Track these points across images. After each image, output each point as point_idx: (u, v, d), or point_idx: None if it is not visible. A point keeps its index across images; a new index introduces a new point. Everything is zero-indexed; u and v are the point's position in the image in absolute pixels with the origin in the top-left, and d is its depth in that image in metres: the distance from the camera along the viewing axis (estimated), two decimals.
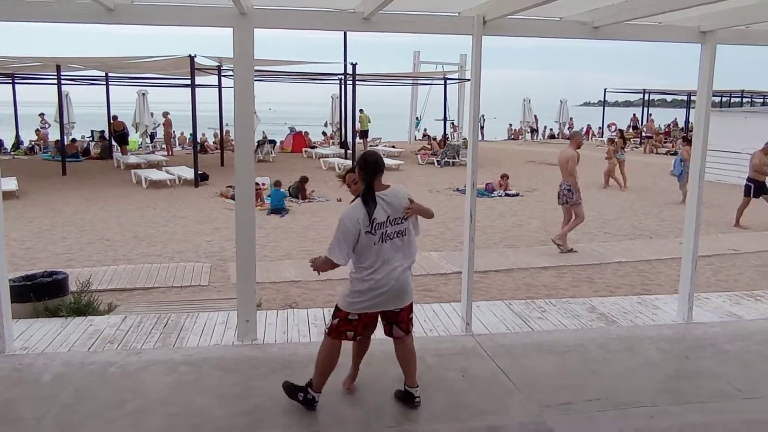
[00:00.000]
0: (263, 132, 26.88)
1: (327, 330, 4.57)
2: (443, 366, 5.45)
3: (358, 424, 4.41)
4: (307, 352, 5.60)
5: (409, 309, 4.64)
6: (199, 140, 29.59)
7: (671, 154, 29.50)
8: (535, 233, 12.23)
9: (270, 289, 8.31)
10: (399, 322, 4.58)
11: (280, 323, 6.33)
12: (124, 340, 5.85)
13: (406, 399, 4.63)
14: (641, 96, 41.83)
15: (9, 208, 13.84)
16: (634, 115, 41.01)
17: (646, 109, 38.28)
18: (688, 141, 18.52)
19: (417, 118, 35.18)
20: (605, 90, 40.98)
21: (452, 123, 30.54)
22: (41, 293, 6.62)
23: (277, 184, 14.21)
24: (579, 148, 11.10)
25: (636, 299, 7.43)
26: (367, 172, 4.31)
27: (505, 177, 17.12)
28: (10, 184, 15.45)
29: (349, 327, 4.47)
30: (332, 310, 4.62)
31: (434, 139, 29.62)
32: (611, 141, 21.04)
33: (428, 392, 4.92)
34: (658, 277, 9.35)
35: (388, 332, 4.64)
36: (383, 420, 4.47)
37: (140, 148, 27.12)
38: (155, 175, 18.17)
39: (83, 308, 6.67)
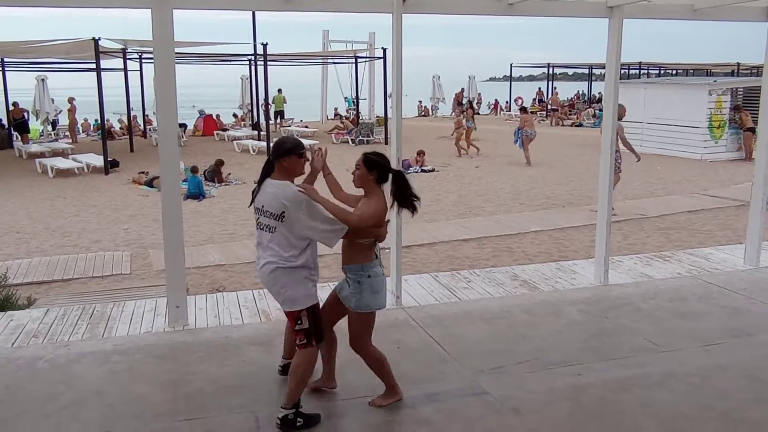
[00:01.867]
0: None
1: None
2: (377, 338, 5.43)
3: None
4: (241, 334, 5.62)
5: (290, 317, 4.13)
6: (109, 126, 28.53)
7: (576, 126, 30.79)
8: (453, 207, 12.54)
9: (195, 274, 8.19)
10: None
11: (210, 307, 6.28)
12: (50, 333, 5.65)
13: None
14: (545, 70, 43.21)
15: None
16: (539, 89, 42.33)
17: (550, 83, 39.54)
18: (525, 110, 22.16)
19: (346, 98, 34.94)
20: (511, 65, 42.07)
21: (361, 99, 30.51)
22: None
23: (194, 170, 13.89)
24: (621, 119, 10.68)
25: (555, 266, 7.80)
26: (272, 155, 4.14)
27: (421, 153, 17.39)
28: None
29: None
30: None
31: (346, 117, 29.63)
32: (461, 110, 22.18)
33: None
34: (572, 244, 9.83)
35: None
36: (323, 394, 4.54)
37: (42, 136, 25.70)
38: (62, 163, 17.35)
39: (1, 303, 6.39)
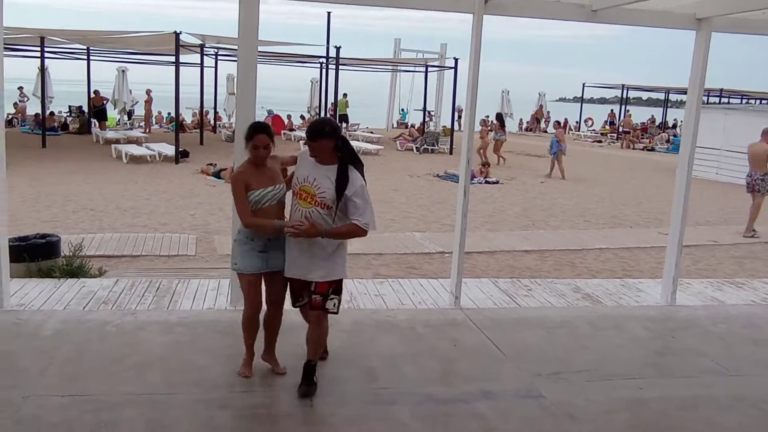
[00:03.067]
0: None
1: (337, 309, 4.35)
2: (434, 336, 5.56)
3: (355, 384, 4.49)
4: (299, 318, 5.68)
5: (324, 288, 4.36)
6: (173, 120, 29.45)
7: (648, 150, 30.01)
8: (517, 219, 12.40)
9: None
10: None
11: None
12: (118, 301, 5.86)
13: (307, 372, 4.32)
14: (618, 94, 42.34)
15: None
16: (612, 110, 41.52)
17: (623, 106, 38.71)
18: (559, 124, 22.96)
19: (402, 109, 35.18)
20: (584, 84, 41.34)
21: (429, 112, 30.55)
22: (35, 254, 6.62)
23: None
24: None
25: (619, 282, 7.61)
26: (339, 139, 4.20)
27: (486, 165, 17.28)
28: None
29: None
30: (329, 287, 4.27)
31: (412, 126, 29.70)
32: (483, 122, 23.16)
33: (421, 359, 5.03)
34: (638, 264, 9.57)
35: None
36: (377, 382, 4.56)
37: (118, 125, 26.72)
38: (136, 150, 17.97)
39: (75, 270, 6.67)
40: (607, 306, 6.62)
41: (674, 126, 39.05)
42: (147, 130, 25.19)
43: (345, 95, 29.44)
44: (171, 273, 7.30)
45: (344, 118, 29.21)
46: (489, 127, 21.50)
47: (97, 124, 24.35)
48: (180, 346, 4.94)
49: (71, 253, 6.96)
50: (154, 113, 28.87)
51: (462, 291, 6.46)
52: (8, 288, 5.66)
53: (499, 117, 22.44)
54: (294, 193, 4.24)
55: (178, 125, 19.50)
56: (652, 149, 30.24)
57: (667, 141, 31.19)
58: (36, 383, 4.24)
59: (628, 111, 36.97)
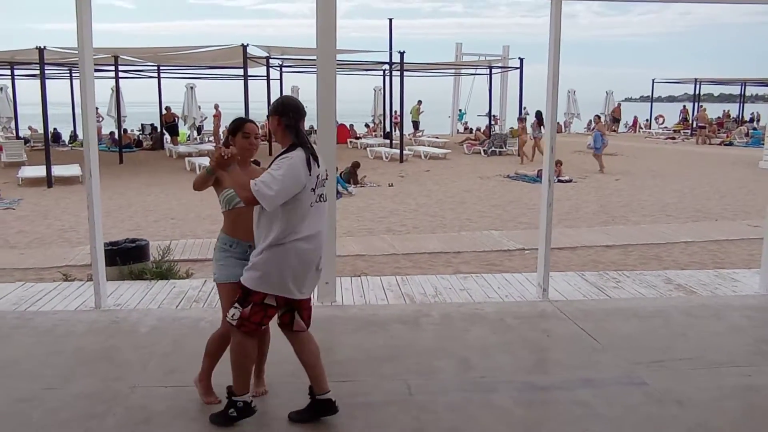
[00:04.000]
0: (310, 124, 27.13)
1: (237, 323, 3.58)
2: (525, 327, 5.46)
3: (451, 374, 4.45)
4: (386, 313, 5.69)
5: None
6: None
7: (726, 145, 28.82)
8: (595, 216, 12.08)
9: (338, 263, 8.39)
10: (302, 309, 3.73)
11: (355, 288, 6.43)
12: (209, 299, 6.01)
13: (326, 408, 3.71)
14: (686, 91, 40.96)
15: (76, 191, 14.33)
16: (684, 106, 40.21)
17: (696, 102, 37.40)
18: (599, 118, 22.86)
19: (460, 110, 35.01)
20: (653, 80, 40.13)
21: (493, 115, 30.26)
22: (126, 258, 6.85)
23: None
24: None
25: (713, 272, 7.31)
26: (291, 117, 3.59)
27: (558, 163, 16.90)
28: (75, 170, 16.67)
29: (264, 314, 3.60)
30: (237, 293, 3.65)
31: (478, 129, 29.49)
32: (520, 119, 22.87)
33: (514, 348, 4.95)
34: (728, 257, 9.17)
35: (287, 321, 3.72)
36: (474, 371, 4.49)
37: (188, 140, 27.57)
38: (209, 162, 18.41)
39: (165, 273, 6.87)
40: (702, 296, 6.37)
41: (751, 120, 37.48)
42: (217, 144, 25.85)
43: (419, 102, 29.57)
44: None
45: (416, 125, 29.25)
46: (524, 125, 21.64)
47: (169, 139, 25.16)
48: (274, 340, 4.99)
49: (160, 257, 7.17)
50: (222, 128, 29.61)
51: (549, 284, 6.34)
52: (105, 290, 5.94)
53: (539, 115, 22.17)
54: None
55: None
56: (731, 143, 29.01)
57: (746, 134, 29.89)
58: (140, 375, 4.39)
59: (702, 106, 35.59)
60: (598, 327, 5.37)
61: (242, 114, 19.51)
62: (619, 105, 38.40)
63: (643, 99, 43.11)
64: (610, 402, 4.07)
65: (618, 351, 4.88)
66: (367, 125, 31.51)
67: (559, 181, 16.28)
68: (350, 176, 15.11)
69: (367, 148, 23.25)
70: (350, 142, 26.31)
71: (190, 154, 20.92)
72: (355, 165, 15.54)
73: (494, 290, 6.41)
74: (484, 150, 23.03)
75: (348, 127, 28.47)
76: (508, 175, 17.28)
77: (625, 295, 6.34)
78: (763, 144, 27.21)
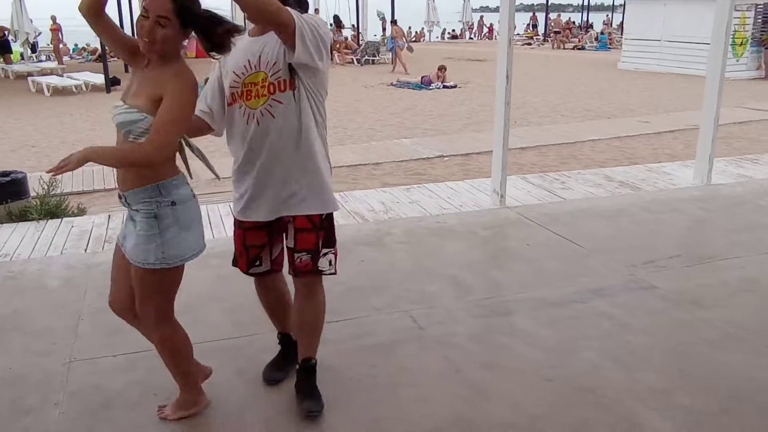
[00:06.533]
0: None
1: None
2: (500, 237, 5.04)
3: (452, 299, 3.90)
4: (344, 235, 4.94)
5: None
6: (89, 50, 26.95)
7: (579, 49, 29.92)
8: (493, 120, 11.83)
9: None
10: None
11: None
12: None
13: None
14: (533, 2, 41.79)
15: None
16: (534, 13, 41.31)
17: (544, 12, 38.39)
18: (395, 23, 22.38)
19: (330, 24, 33.27)
20: None
21: (352, 25, 28.95)
22: (1, 195, 5.53)
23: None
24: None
25: (644, 168, 7.25)
26: None
27: (442, 69, 16.51)
28: None
29: None
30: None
31: (346, 38, 28.33)
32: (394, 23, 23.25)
33: (500, 262, 4.51)
34: (636, 152, 9.26)
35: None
36: (474, 293, 3.98)
37: (22, 59, 24.15)
38: (59, 81, 16.14)
39: (54, 210, 5.66)
40: (649, 191, 6.24)
41: (591, 26, 39.21)
42: (59, 61, 22.82)
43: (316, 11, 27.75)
44: None
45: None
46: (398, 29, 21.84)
47: (1, 58, 21.87)
48: (227, 281, 4.15)
49: (44, 191, 5.90)
50: (62, 44, 26.24)
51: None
52: None
53: (336, 20, 22.53)
54: (232, 100, 2.65)
55: (105, 50, 17.54)
56: (582, 48, 30.21)
57: (596, 39, 31.30)
58: (72, 345, 3.38)
59: (558, 14, 36.62)
60: (571, 231, 5.02)
61: (77, 30, 17.20)
62: (482, 18, 38.65)
63: (497, 9, 43.44)
64: (632, 311, 3.71)
65: (606, 254, 4.57)
66: None
67: (445, 86, 15.94)
68: None
69: None
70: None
71: (30, 74, 18.20)
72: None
73: (445, 200, 5.89)
74: (357, 59, 22.13)
75: None
76: (392, 83, 16.66)
77: (578, 196, 6.06)
78: (609, 47, 29.53)
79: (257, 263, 2.85)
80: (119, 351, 3.28)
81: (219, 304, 3.84)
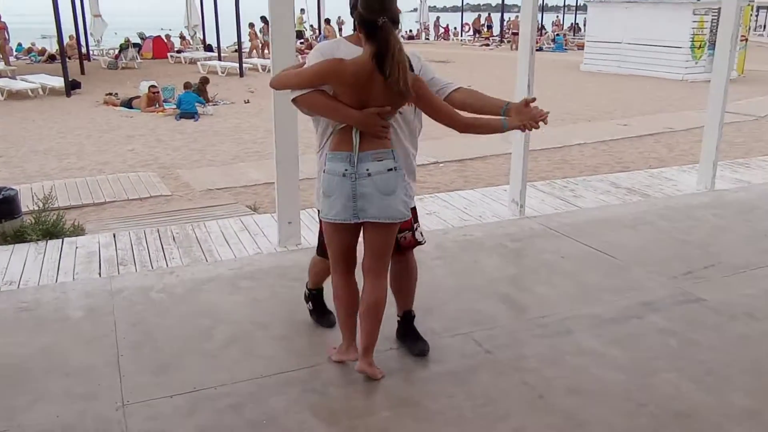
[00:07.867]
0: (126, 37, 23.88)
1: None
2: (532, 249, 4.96)
3: (508, 318, 3.78)
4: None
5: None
6: (35, 50, 25.84)
7: (538, 50, 30.24)
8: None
9: (247, 194, 7.24)
10: None
11: (312, 224, 5.35)
12: (137, 260, 4.67)
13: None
14: (488, 2, 42.22)
15: None
16: (489, 14, 41.74)
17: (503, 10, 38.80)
18: (328, 21, 24.45)
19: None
20: None
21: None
22: None
23: (187, 86, 12.50)
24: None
25: (645, 174, 7.27)
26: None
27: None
28: None
29: None
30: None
31: (307, 39, 28.02)
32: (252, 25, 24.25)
33: (545, 276, 4.40)
34: (624, 156, 9.34)
35: None
36: (528, 312, 3.86)
37: None
38: (14, 84, 15.40)
39: (52, 229, 5.29)
40: (659, 198, 6.25)
41: (543, 27, 39.81)
42: (6, 63, 21.82)
43: (302, 11, 27.35)
44: (161, 218, 6.09)
45: (300, 34, 26.84)
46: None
47: None
48: (260, 304, 3.94)
49: (40, 207, 5.54)
50: (10, 43, 25.09)
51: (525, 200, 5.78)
52: None
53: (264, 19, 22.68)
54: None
55: (64, 51, 16.83)
56: (540, 49, 30.53)
57: (552, 41, 31.77)
58: (119, 386, 3.09)
59: (517, 16, 36.94)
60: (599, 241, 4.97)
61: (22, 29, 16.38)
62: (438, 19, 38.89)
63: (453, 9, 43.81)
64: (692, 326, 3.67)
65: (642, 266, 4.52)
66: (183, 37, 28.47)
67: None
68: (200, 94, 13.36)
69: (198, 63, 20.95)
70: (171, 56, 23.65)
71: None
72: (204, 81, 13.78)
73: (463, 211, 5.76)
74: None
75: (165, 39, 25.59)
76: None
77: (591, 204, 6.02)
78: (565, 49, 30.15)
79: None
80: (174, 391, 3.04)
81: (265, 332, 3.61)
